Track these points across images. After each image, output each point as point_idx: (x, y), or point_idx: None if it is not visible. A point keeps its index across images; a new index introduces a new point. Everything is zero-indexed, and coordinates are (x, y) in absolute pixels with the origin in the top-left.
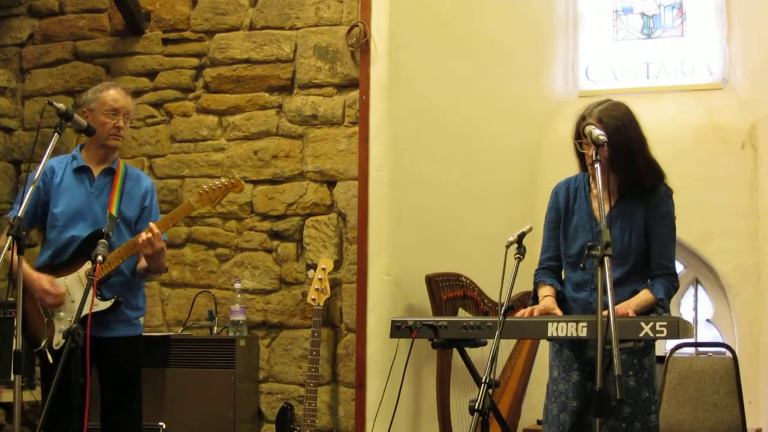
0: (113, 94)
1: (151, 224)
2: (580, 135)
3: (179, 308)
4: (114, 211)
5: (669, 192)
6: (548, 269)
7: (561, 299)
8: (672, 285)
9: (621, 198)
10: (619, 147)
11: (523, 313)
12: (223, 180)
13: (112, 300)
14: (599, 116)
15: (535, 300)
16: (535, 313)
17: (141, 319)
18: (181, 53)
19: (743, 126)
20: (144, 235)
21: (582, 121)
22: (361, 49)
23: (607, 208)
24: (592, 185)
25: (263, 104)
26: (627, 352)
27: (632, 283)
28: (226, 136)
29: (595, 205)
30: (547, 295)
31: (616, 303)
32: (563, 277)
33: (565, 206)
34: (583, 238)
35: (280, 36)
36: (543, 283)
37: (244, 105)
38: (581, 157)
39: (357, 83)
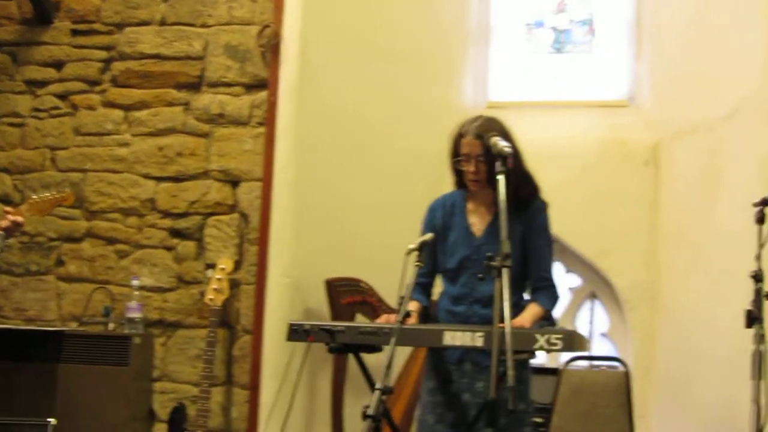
0: None
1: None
2: (457, 153)
3: (75, 303)
4: None
5: (545, 205)
6: (419, 285)
7: (425, 314)
8: (554, 296)
9: (497, 213)
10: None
11: (384, 320)
12: (54, 192)
13: None
14: (478, 132)
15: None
16: (392, 320)
17: None
18: (89, 45)
19: (647, 144)
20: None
21: (460, 138)
22: (272, 50)
23: (484, 224)
24: (469, 201)
25: (170, 101)
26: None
27: (511, 295)
28: (131, 131)
29: (471, 220)
30: (412, 310)
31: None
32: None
33: (443, 223)
34: (461, 253)
35: (191, 33)
36: (411, 299)
37: (151, 100)
38: (458, 174)
39: (266, 84)
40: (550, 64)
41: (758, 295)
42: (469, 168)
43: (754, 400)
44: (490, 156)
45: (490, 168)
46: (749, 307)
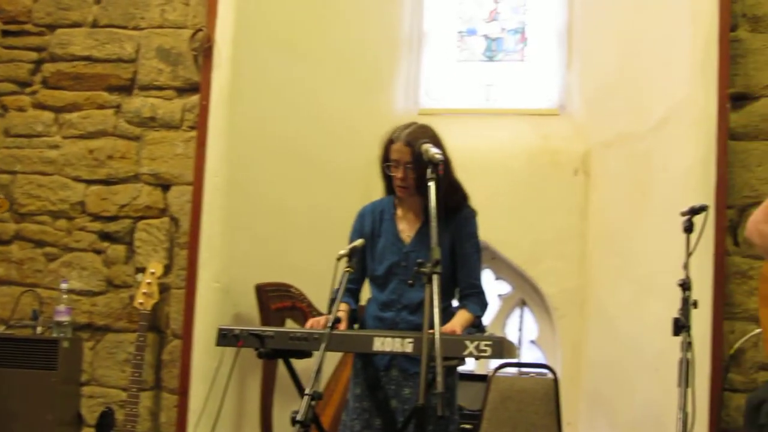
0: None
1: None
2: (387, 158)
3: (3, 306)
4: None
5: (473, 213)
6: (348, 290)
7: (353, 318)
8: (483, 303)
9: (427, 219)
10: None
11: (311, 324)
12: None
13: None
14: (408, 138)
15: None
16: (321, 324)
17: None
18: (20, 46)
19: (577, 152)
20: None
21: (390, 144)
22: (205, 53)
23: (413, 231)
24: (398, 207)
25: (102, 103)
26: (434, 372)
27: (440, 302)
28: (61, 133)
29: (400, 227)
30: (341, 311)
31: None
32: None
33: (372, 229)
34: (390, 260)
35: (123, 35)
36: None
37: (82, 103)
38: (387, 180)
39: (198, 88)
40: (482, 72)
41: (685, 304)
42: (397, 174)
43: (681, 407)
44: (419, 163)
45: (419, 175)
46: (677, 316)
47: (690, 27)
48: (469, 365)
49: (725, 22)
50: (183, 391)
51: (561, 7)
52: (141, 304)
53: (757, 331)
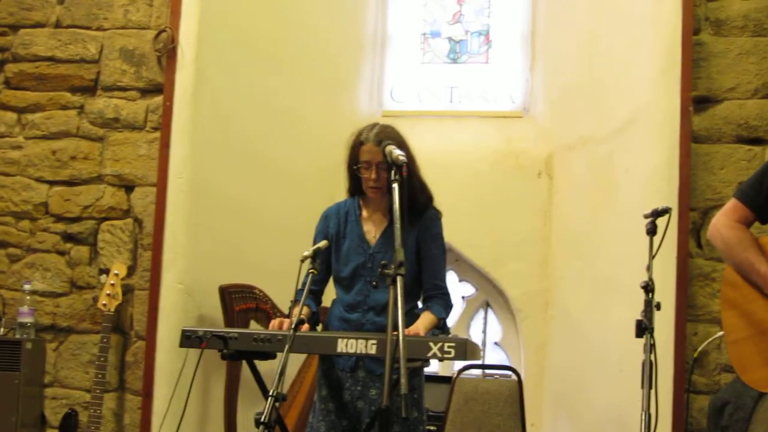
0: None
1: None
2: (357, 160)
3: None
4: None
5: (438, 214)
6: (311, 292)
7: (314, 320)
8: (448, 304)
9: (392, 220)
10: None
11: (272, 325)
12: None
13: None
14: (377, 138)
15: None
16: (285, 326)
17: None
18: None
19: (541, 155)
20: None
21: (360, 145)
22: (168, 54)
23: (378, 232)
24: (363, 208)
25: (65, 104)
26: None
27: (405, 303)
28: (24, 134)
29: (366, 228)
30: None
31: (395, 323)
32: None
33: (337, 231)
34: (355, 261)
35: (87, 36)
36: (299, 303)
37: (45, 103)
38: (355, 181)
39: (161, 89)
40: (446, 75)
41: (648, 306)
42: (370, 175)
43: (644, 409)
44: (388, 164)
45: (389, 176)
46: (640, 318)
47: (653, 30)
48: (434, 367)
49: (688, 26)
50: (147, 393)
51: (525, 10)
52: (104, 305)
53: (720, 333)
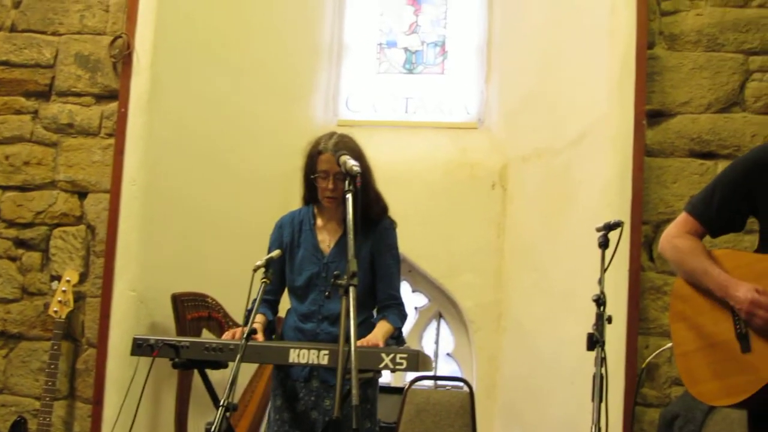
0: None
1: None
2: (314, 169)
3: None
4: None
5: (393, 224)
6: (264, 301)
7: (271, 330)
8: (403, 314)
9: (346, 230)
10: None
11: (227, 335)
12: None
13: None
14: (335, 148)
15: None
16: (237, 336)
17: None
18: None
19: (495, 166)
20: None
21: (318, 154)
22: (124, 60)
23: (333, 242)
24: (318, 218)
25: (19, 109)
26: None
27: (358, 314)
28: None
29: (320, 237)
30: (257, 323)
31: (347, 334)
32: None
33: (291, 240)
34: (309, 270)
35: (42, 40)
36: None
37: None
38: (311, 190)
39: (117, 95)
40: (402, 85)
41: (600, 319)
42: (327, 185)
43: (595, 422)
44: (344, 174)
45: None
46: (591, 331)
47: (608, 44)
48: (385, 378)
49: (642, 40)
50: (97, 401)
51: (480, 22)
52: (56, 312)
53: (669, 345)
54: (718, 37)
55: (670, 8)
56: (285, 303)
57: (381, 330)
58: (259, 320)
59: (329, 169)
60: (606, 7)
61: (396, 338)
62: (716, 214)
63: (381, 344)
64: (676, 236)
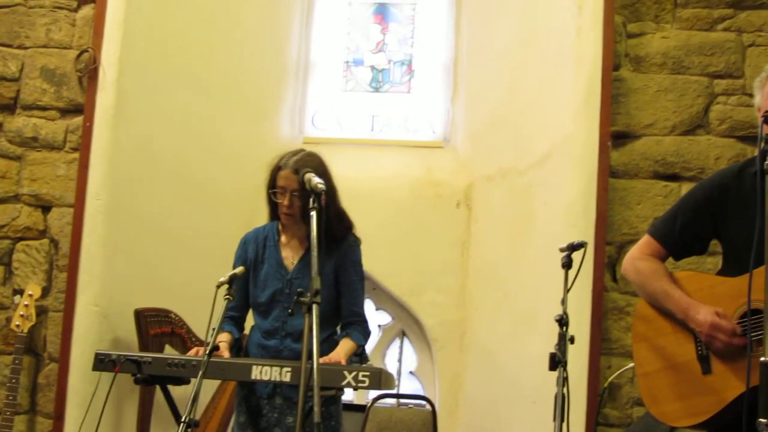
0: None
1: None
2: (274, 184)
3: None
4: None
5: (358, 241)
6: (230, 318)
7: (237, 347)
8: (366, 331)
9: (310, 247)
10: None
11: (192, 353)
12: None
13: None
14: (295, 166)
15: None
16: (200, 353)
17: None
18: None
19: (460, 185)
20: None
21: (278, 170)
22: (90, 75)
23: (297, 258)
24: (282, 234)
25: None
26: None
27: (322, 331)
28: None
29: (284, 254)
30: (221, 341)
31: (310, 351)
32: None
33: (255, 256)
34: (273, 287)
35: (7, 53)
36: (221, 330)
37: None
38: (273, 206)
39: (82, 109)
40: (368, 103)
41: (562, 339)
42: (284, 201)
43: None
44: (305, 191)
45: (305, 203)
46: (553, 350)
47: (574, 65)
48: (348, 395)
49: (608, 62)
50: (58, 416)
51: (447, 41)
52: (18, 326)
53: (631, 365)
54: (684, 60)
55: (636, 30)
56: (251, 320)
57: (343, 348)
58: (224, 338)
59: (287, 185)
60: (572, 29)
61: (359, 356)
62: (679, 237)
63: (343, 362)
64: (638, 258)
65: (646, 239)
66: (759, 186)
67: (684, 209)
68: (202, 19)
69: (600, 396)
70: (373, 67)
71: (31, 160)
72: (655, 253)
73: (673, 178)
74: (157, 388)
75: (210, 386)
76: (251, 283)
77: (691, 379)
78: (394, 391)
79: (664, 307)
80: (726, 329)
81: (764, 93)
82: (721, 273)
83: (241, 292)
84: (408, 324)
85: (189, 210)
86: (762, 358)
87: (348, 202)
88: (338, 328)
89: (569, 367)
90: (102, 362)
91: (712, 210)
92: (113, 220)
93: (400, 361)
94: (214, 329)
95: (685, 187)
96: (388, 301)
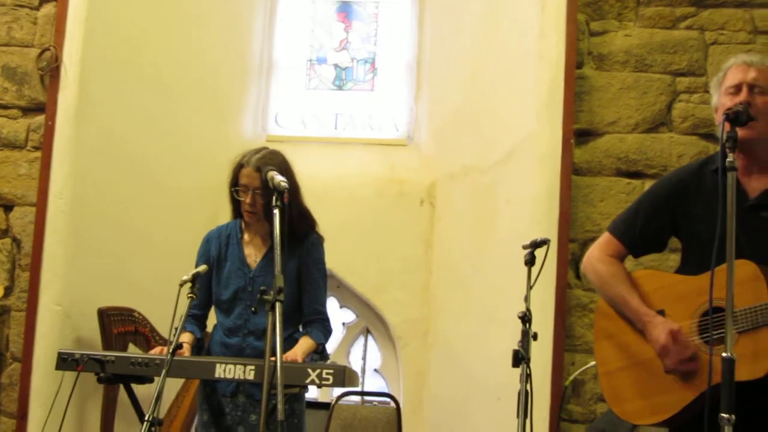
0: None
1: None
2: (236, 182)
3: None
4: None
5: (320, 239)
6: (192, 317)
7: (199, 345)
8: (327, 330)
9: (273, 245)
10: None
11: (155, 351)
12: None
13: None
14: (258, 164)
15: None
16: (164, 352)
17: None
18: None
19: (423, 183)
20: None
21: (240, 168)
22: (51, 73)
23: (259, 256)
24: (245, 232)
25: None
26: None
27: (285, 329)
28: None
29: (247, 251)
30: (185, 342)
31: (273, 349)
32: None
33: (218, 254)
34: (235, 285)
35: None
36: (184, 330)
37: None
38: (236, 203)
39: (44, 108)
40: (331, 101)
41: (525, 336)
42: (246, 199)
43: None
44: (267, 189)
45: (267, 201)
46: (517, 347)
47: (537, 63)
48: (312, 393)
49: (571, 60)
50: (21, 415)
51: (411, 39)
52: None
53: (592, 363)
54: (646, 58)
55: (599, 29)
56: (213, 318)
57: (302, 346)
58: (186, 339)
59: (249, 183)
60: (535, 27)
61: (320, 353)
62: (639, 235)
63: (300, 360)
64: (598, 260)
65: (606, 237)
66: (720, 184)
67: (645, 206)
68: (165, 18)
69: (564, 392)
70: (336, 65)
71: None
72: (614, 253)
73: (636, 175)
74: (121, 387)
75: (174, 385)
76: (214, 281)
77: (653, 378)
78: (358, 389)
79: (622, 314)
80: (674, 356)
81: (720, 92)
82: (680, 271)
83: (204, 290)
84: (372, 322)
85: (152, 208)
86: (724, 354)
87: (311, 200)
88: (300, 327)
89: (533, 364)
90: (65, 361)
91: (672, 207)
92: (76, 218)
93: (364, 358)
94: (176, 328)
95: (648, 184)
96: (352, 298)
